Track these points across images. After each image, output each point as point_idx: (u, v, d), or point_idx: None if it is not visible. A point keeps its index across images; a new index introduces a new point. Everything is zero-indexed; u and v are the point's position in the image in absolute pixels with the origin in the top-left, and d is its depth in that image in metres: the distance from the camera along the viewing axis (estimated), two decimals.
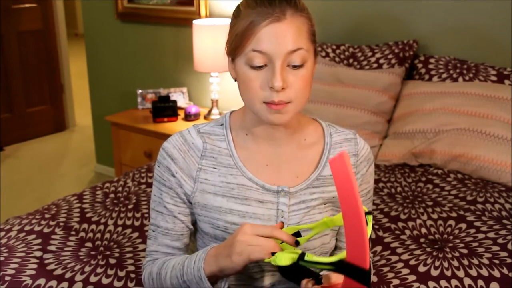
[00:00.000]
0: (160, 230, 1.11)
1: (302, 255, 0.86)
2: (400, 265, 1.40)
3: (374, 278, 1.34)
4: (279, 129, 1.05)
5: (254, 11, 0.95)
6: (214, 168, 1.06)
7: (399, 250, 1.47)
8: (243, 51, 0.95)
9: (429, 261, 1.41)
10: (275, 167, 1.07)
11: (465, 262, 1.40)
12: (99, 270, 1.39)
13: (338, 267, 0.83)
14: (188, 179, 1.06)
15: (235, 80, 1.03)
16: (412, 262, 1.40)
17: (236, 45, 0.97)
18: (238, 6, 1.00)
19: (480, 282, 1.32)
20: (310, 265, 0.86)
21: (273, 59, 0.94)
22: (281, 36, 0.93)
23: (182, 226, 1.11)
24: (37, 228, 1.59)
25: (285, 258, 0.87)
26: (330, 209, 1.09)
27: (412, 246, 1.49)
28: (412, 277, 1.34)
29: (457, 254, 1.44)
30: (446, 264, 1.39)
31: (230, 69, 1.03)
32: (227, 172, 1.05)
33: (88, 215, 1.70)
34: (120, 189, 1.90)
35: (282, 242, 0.93)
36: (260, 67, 0.95)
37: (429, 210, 1.70)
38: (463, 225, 1.60)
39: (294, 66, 0.95)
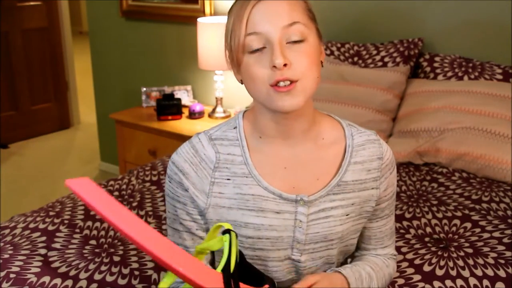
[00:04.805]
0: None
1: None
2: (404, 264, 1.39)
3: None
4: (293, 127, 0.98)
5: (240, 0, 0.92)
6: (228, 179, 0.99)
7: (404, 249, 1.47)
8: (240, 41, 0.91)
9: (434, 260, 1.40)
10: (293, 169, 1.00)
11: (470, 261, 1.39)
12: (103, 268, 1.39)
13: None
14: (200, 195, 0.99)
15: (242, 83, 0.98)
16: (417, 262, 1.40)
17: (233, 37, 0.93)
18: (230, 7, 0.97)
19: (486, 282, 1.32)
20: None
21: (270, 38, 0.89)
22: (273, 11, 0.89)
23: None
24: (41, 226, 1.59)
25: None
26: (351, 221, 1.04)
27: (417, 246, 1.48)
28: (417, 277, 1.33)
29: (462, 253, 1.43)
30: (451, 264, 1.39)
31: (234, 73, 0.99)
32: (242, 182, 0.99)
33: (93, 212, 1.70)
34: (124, 187, 1.90)
35: None
36: (259, 50, 0.90)
37: (434, 209, 1.69)
38: (468, 225, 1.60)
39: (295, 42, 0.90)
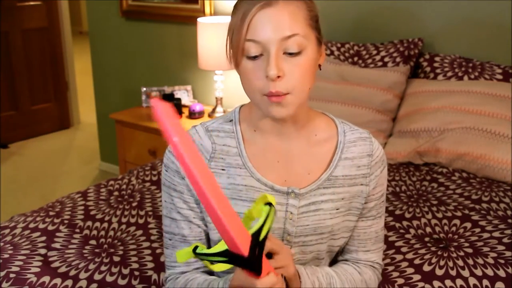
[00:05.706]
0: (177, 238, 1.06)
1: (195, 248, 0.82)
2: (404, 264, 1.39)
3: None
4: (287, 124, 1.01)
5: (246, 2, 0.92)
6: (222, 170, 1.02)
7: (404, 249, 1.47)
8: (239, 45, 0.92)
9: (434, 260, 1.40)
10: (285, 163, 1.03)
11: (470, 261, 1.39)
12: (103, 268, 1.39)
13: (228, 257, 0.78)
14: None
15: None
16: (417, 262, 1.40)
17: (234, 39, 0.94)
18: (235, 4, 0.97)
19: (485, 282, 1.32)
20: (204, 257, 0.81)
21: (267, 47, 0.91)
22: (273, 21, 0.90)
23: (199, 231, 1.05)
24: (41, 226, 1.59)
25: (184, 254, 0.83)
26: (341, 215, 1.06)
27: (417, 245, 1.48)
28: (417, 277, 1.34)
29: (462, 253, 1.44)
30: (451, 264, 1.39)
31: (235, 67, 1.00)
32: (235, 173, 1.02)
33: (92, 212, 1.70)
34: (124, 187, 1.90)
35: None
36: (256, 57, 0.92)
37: (434, 209, 1.69)
38: (468, 224, 1.60)
39: (290, 54, 0.91)
